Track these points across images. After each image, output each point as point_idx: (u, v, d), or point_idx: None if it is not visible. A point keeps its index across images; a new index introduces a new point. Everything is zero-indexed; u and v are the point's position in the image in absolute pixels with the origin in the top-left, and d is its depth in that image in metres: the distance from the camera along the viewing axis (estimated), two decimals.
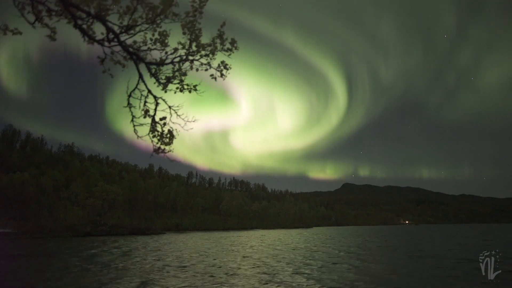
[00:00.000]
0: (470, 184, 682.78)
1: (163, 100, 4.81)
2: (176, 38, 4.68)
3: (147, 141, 4.79)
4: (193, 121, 4.82)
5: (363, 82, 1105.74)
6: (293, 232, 79.57)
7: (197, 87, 4.80)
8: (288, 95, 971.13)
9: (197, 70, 4.78)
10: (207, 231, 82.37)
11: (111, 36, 4.52)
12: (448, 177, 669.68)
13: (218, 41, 4.71)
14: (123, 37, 4.57)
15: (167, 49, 4.69)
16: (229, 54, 4.78)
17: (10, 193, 60.18)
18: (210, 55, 4.73)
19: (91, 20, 4.42)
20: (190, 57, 4.72)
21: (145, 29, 4.57)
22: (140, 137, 4.83)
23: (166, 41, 4.66)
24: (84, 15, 4.38)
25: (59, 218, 56.69)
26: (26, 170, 70.14)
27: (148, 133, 4.80)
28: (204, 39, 4.69)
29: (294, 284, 12.74)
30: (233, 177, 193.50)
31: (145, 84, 4.76)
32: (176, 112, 4.80)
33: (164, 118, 4.81)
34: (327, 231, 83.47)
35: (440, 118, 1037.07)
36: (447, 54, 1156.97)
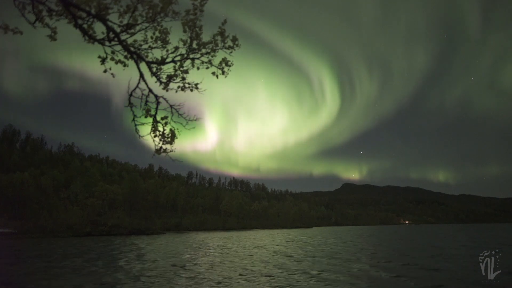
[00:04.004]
0: (470, 184, 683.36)
1: (164, 99, 4.81)
2: (177, 37, 4.67)
3: (148, 141, 4.79)
4: (195, 120, 4.81)
5: (362, 82, 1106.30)
6: (289, 232, 79.56)
7: (198, 86, 4.79)
8: (286, 94, 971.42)
9: (198, 68, 4.78)
10: (207, 231, 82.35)
11: (111, 35, 4.51)
12: (448, 177, 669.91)
13: (219, 38, 4.70)
14: (123, 36, 4.56)
15: (168, 47, 4.68)
16: (231, 52, 4.77)
17: (10, 193, 60.12)
18: (212, 53, 4.72)
19: (91, 20, 4.42)
20: (191, 55, 4.71)
21: (146, 28, 4.57)
22: (141, 136, 4.82)
23: (168, 39, 4.65)
24: (84, 15, 4.38)
25: (59, 218, 56.55)
26: (26, 170, 70.05)
27: (150, 133, 4.79)
28: (205, 37, 4.69)
29: None
30: (233, 177, 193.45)
31: (146, 83, 4.75)
32: (177, 111, 4.80)
33: (166, 117, 4.80)
34: (325, 231, 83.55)
35: (441, 118, 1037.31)
36: (449, 55, 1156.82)
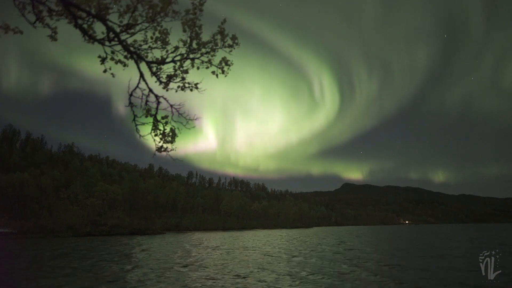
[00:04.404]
0: (470, 184, 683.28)
1: (165, 99, 4.82)
2: (177, 37, 4.68)
3: (148, 141, 4.80)
4: (195, 119, 4.82)
5: (362, 82, 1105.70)
6: (288, 232, 79.55)
7: (198, 85, 4.80)
8: (286, 94, 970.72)
9: (198, 68, 4.78)
10: (207, 231, 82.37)
11: (111, 35, 4.52)
12: (448, 177, 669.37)
13: (219, 37, 4.70)
14: (123, 36, 4.57)
15: (168, 47, 4.69)
16: (230, 51, 4.78)
17: (10, 193, 60.12)
18: (211, 53, 4.73)
19: (91, 20, 4.43)
20: (191, 55, 4.72)
21: (146, 28, 4.57)
22: (142, 136, 4.83)
23: (167, 39, 4.66)
24: (84, 15, 4.39)
25: (59, 218, 56.57)
26: (26, 170, 70.09)
27: (150, 132, 4.81)
28: (205, 37, 4.70)
29: None
30: (233, 177, 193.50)
31: (146, 83, 4.76)
32: (177, 111, 4.81)
33: (166, 117, 4.81)
34: (324, 231, 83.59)
35: (441, 118, 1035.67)
36: (450, 55, 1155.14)
